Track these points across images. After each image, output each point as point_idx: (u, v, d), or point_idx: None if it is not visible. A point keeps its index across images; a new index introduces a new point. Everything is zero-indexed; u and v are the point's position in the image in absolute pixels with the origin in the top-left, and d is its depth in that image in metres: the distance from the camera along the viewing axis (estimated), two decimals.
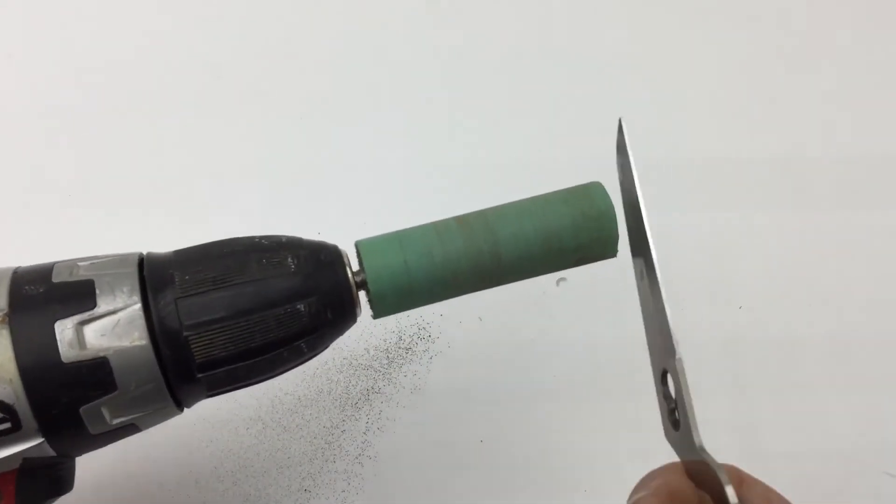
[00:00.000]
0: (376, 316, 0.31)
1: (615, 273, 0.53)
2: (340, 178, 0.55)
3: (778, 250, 0.54)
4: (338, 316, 0.30)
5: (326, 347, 0.31)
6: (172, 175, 0.54)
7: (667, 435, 0.28)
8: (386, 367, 0.49)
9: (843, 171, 0.57)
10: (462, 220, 0.31)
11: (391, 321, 0.50)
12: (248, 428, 0.46)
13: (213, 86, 0.57)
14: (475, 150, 0.57)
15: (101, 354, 0.27)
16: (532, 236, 0.31)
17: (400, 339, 0.49)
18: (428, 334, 0.50)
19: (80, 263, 0.29)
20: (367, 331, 0.49)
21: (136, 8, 0.59)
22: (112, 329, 0.27)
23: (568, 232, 0.31)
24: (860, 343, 0.51)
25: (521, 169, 0.56)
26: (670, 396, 0.27)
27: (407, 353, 0.49)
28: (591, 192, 0.32)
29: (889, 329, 0.52)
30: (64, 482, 0.30)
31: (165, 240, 0.52)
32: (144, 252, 0.30)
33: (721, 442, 0.47)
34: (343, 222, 0.54)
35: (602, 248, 0.32)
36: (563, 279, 0.52)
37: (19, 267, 0.29)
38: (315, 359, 0.49)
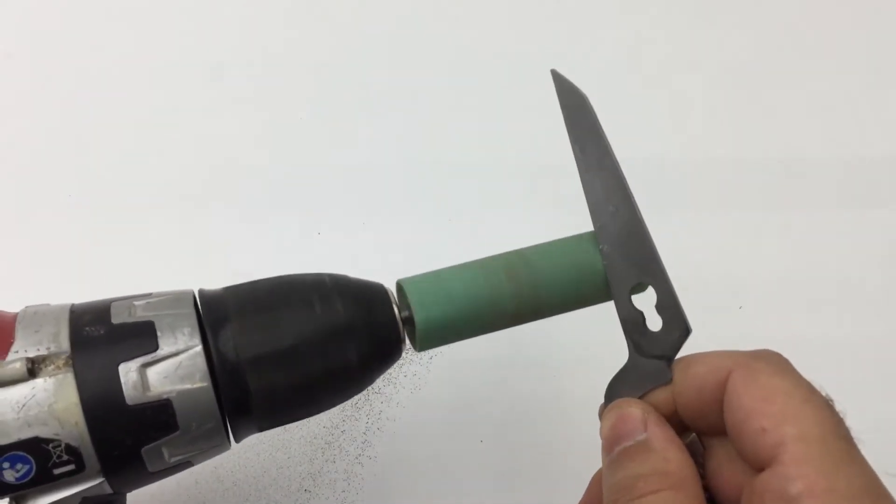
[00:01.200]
0: (420, 349, 0.32)
1: None
2: (340, 178, 0.55)
3: (778, 250, 0.54)
4: (385, 352, 0.31)
5: (372, 382, 0.32)
6: (172, 175, 0.54)
7: (626, 375, 0.30)
8: None
9: (843, 171, 0.57)
10: (506, 263, 0.32)
11: None
12: None
13: (213, 86, 0.57)
14: (475, 150, 0.57)
15: (165, 397, 0.27)
16: (571, 278, 0.32)
17: None
18: None
19: (136, 303, 0.29)
20: None
21: (136, 8, 0.59)
22: (175, 371, 0.27)
23: (561, 280, 0.32)
24: (860, 343, 0.51)
25: (521, 169, 0.57)
26: (638, 311, 0.29)
27: (407, 352, 0.49)
28: (585, 244, 0.33)
29: (889, 329, 0.52)
30: None
31: (165, 239, 0.52)
32: (195, 289, 0.31)
33: None
34: (343, 222, 0.54)
35: (596, 296, 0.33)
36: None
37: (74, 304, 0.29)
38: None
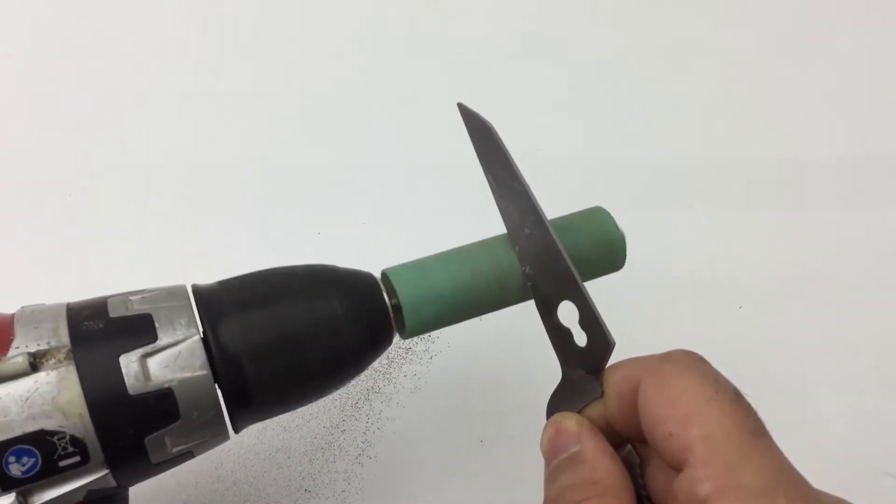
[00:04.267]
0: (406, 337, 0.33)
1: (614, 274, 0.53)
2: (340, 177, 0.55)
3: (778, 250, 0.54)
4: (378, 340, 0.32)
5: (366, 369, 0.33)
6: (172, 175, 0.54)
7: (562, 391, 0.30)
8: (386, 367, 0.49)
9: (843, 171, 0.57)
10: (485, 245, 0.33)
11: None
12: (247, 428, 0.46)
13: (213, 86, 0.57)
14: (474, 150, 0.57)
15: (166, 385, 0.28)
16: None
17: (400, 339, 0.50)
18: (428, 334, 0.50)
19: (132, 297, 0.30)
20: None
21: (136, 8, 0.59)
22: (175, 360, 0.28)
23: (584, 254, 0.33)
24: (860, 343, 0.51)
25: (522, 168, 0.56)
26: (563, 327, 0.30)
27: (407, 353, 0.49)
28: (600, 218, 0.35)
29: (889, 329, 0.52)
30: None
31: (166, 239, 0.52)
32: (188, 284, 0.31)
33: None
34: (343, 222, 0.54)
35: (612, 267, 0.35)
36: None
37: (71, 302, 0.30)
38: None
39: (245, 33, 0.59)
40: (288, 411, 0.32)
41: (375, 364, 0.49)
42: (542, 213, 0.31)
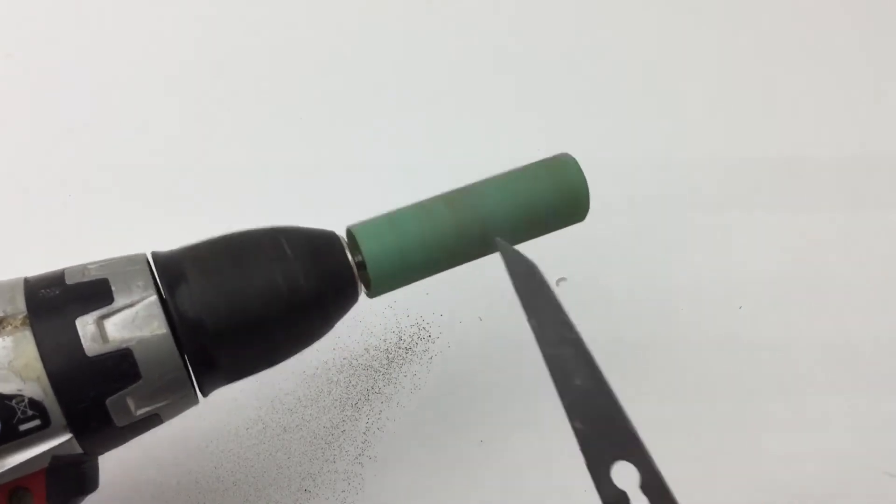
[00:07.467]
0: (372, 295, 0.33)
1: (613, 274, 0.53)
2: (340, 178, 0.55)
3: (778, 250, 0.54)
4: (341, 296, 0.32)
5: (332, 327, 0.33)
6: (172, 175, 0.54)
7: None
8: (386, 367, 0.49)
9: (843, 171, 0.57)
10: (448, 197, 0.34)
11: (391, 321, 0.50)
12: (248, 428, 0.46)
13: (212, 86, 0.57)
14: (475, 150, 0.57)
15: (124, 346, 0.28)
16: (513, 208, 0.34)
17: (400, 339, 0.50)
18: (428, 334, 0.50)
19: (89, 266, 0.30)
20: (366, 331, 0.49)
21: (136, 7, 0.59)
22: (132, 321, 0.28)
23: (546, 201, 0.34)
24: (860, 343, 0.51)
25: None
26: (621, 491, 0.27)
27: (407, 353, 0.49)
28: (564, 164, 0.35)
29: (889, 329, 0.52)
30: (90, 480, 0.31)
31: (166, 240, 0.52)
32: (149, 252, 0.31)
33: (721, 443, 0.47)
34: (343, 222, 0.54)
35: (574, 216, 0.35)
36: (563, 279, 0.52)
37: (28, 276, 0.30)
38: (315, 358, 0.49)
39: (243, 34, 0.59)
40: (255, 373, 0.32)
41: (375, 364, 0.49)
42: (597, 365, 0.29)
